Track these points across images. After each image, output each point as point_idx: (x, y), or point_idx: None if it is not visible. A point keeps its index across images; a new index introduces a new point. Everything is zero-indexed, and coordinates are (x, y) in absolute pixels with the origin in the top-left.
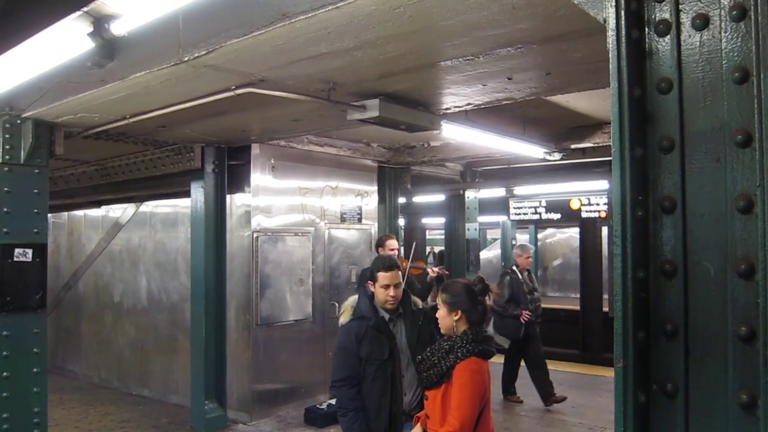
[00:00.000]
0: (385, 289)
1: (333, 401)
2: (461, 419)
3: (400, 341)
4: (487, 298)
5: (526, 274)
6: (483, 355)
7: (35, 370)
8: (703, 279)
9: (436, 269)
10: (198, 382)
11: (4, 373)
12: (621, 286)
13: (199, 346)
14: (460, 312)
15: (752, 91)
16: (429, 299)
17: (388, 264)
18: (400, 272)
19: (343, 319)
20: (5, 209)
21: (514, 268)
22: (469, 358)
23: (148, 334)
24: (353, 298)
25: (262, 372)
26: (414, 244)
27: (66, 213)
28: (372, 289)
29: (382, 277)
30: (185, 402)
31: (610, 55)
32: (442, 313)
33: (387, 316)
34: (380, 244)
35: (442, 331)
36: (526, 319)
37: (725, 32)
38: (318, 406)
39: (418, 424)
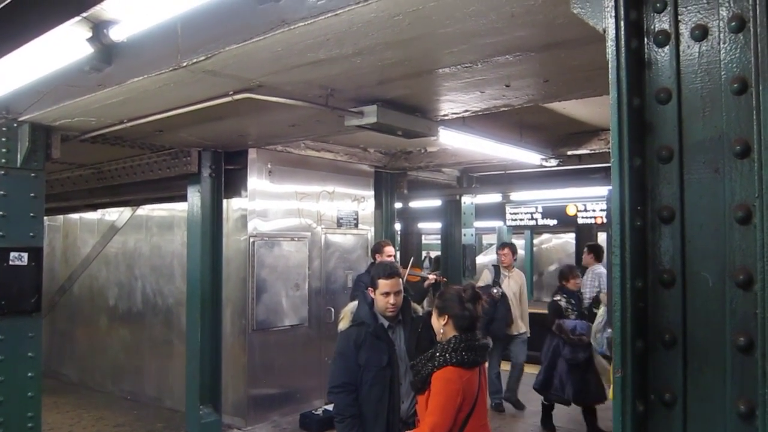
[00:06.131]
0: (385, 296)
1: (328, 407)
2: (432, 427)
3: (399, 348)
4: (477, 305)
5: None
6: (462, 364)
7: (30, 374)
8: (702, 289)
9: (433, 276)
10: (193, 386)
11: None
12: (620, 296)
13: (194, 350)
14: (447, 316)
15: (751, 102)
16: (425, 304)
17: (389, 271)
18: (400, 280)
19: (343, 325)
20: (1, 213)
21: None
22: (444, 367)
23: (143, 338)
24: (353, 304)
25: (257, 377)
26: (411, 259)
27: (62, 216)
28: (372, 295)
29: (383, 284)
30: (180, 406)
31: (610, 65)
32: (434, 318)
33: (386, 323)
34: (377, 250)
35: (437, 337)
36: None
37: (724, 43)
38: (314, 411)
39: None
